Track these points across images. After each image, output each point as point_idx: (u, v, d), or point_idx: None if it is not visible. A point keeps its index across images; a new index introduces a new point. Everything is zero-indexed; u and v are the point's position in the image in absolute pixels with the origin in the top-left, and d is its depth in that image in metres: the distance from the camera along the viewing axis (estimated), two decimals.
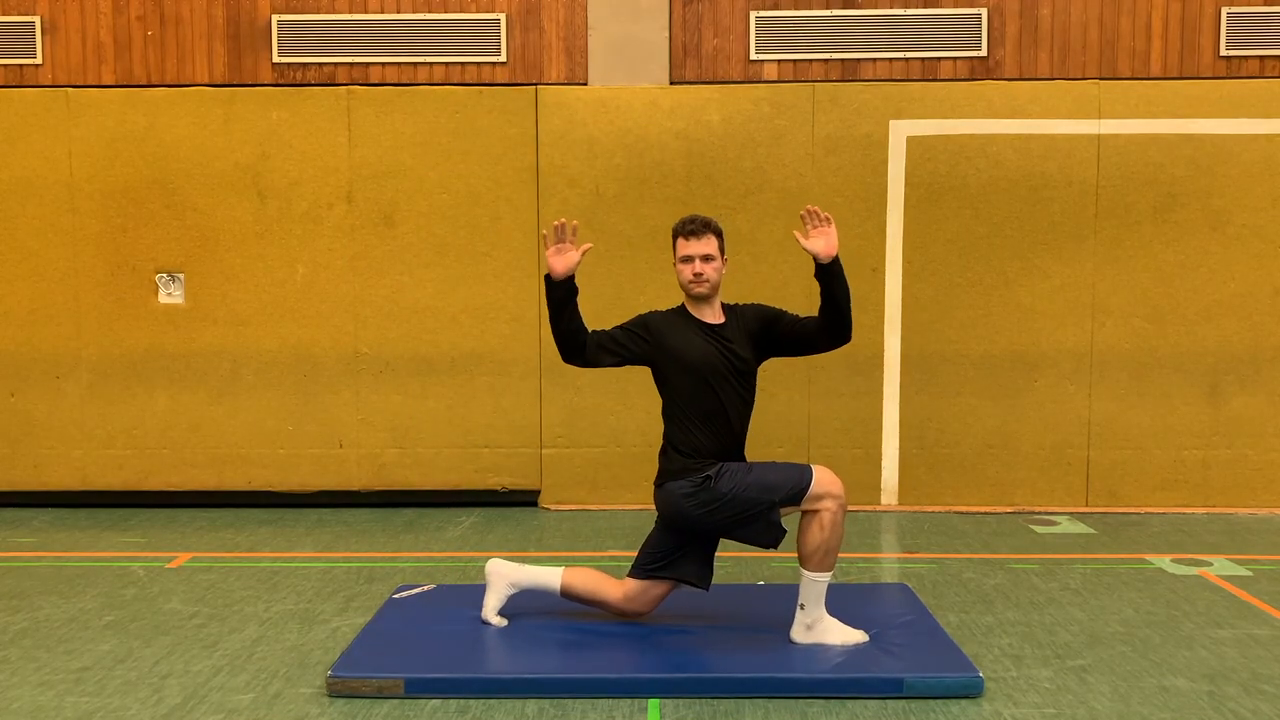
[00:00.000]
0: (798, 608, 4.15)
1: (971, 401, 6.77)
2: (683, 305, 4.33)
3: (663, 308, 6.67)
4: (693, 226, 4.24)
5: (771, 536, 4.09)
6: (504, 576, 4.40)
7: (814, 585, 4.11)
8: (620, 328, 4.28)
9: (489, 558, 4.54)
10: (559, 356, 4.28)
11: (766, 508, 4.05)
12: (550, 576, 4.37)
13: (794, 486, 4.05)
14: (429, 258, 6.77)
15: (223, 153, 6.75)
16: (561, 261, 4.13)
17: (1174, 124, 6.62)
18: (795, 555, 4.51)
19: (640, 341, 4.22)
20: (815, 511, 4.06)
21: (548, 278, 4.15)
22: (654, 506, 4.28)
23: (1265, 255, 6.66)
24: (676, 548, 4.22)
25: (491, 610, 4.37)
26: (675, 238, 4.28)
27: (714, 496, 4.06)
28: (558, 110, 6.71)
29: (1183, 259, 6.68)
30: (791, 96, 6.71)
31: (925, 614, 4.53)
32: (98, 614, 4.80)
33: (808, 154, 6.70)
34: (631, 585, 4.29)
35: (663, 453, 4.24)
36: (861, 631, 4.21)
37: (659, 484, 4.21)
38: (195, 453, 6.89)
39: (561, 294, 4.12)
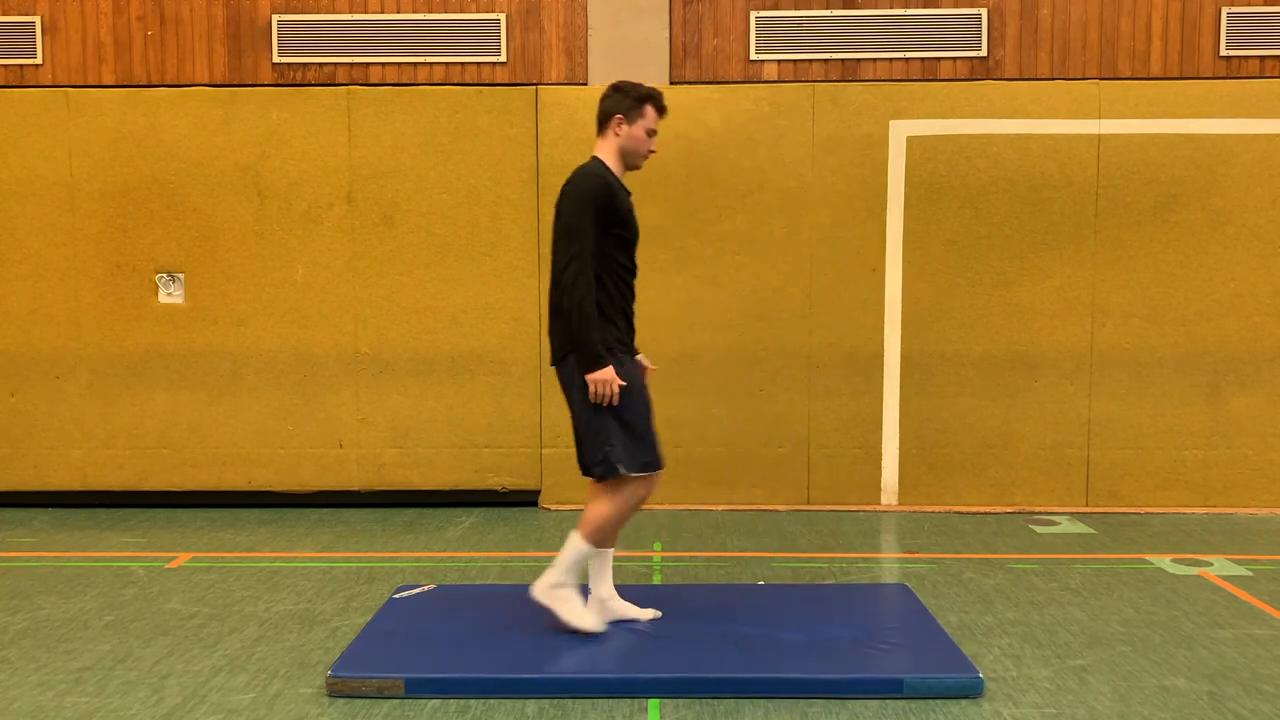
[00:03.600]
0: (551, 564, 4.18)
1: (971, 401, 6.77)
2: (605, 165, 4.14)
3: (665, 306, 6.73)
4: (665, 103, 4.23)
5: (591, 469, 4.09)
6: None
7: (575, 552, 4.12)
8: (594, 234, 3.99)
9: (489, 558, 4.53)
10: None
11: (603, 442, 4.04)
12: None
13: (626, 459, 4.02)
14: (429, 258, 6.78)
15: (223, 153, 6.75)
16: (603, 390, 3.99)
17: (1174, 124, 6.62)
18: (795, 555, 4.53)
19: (606, 225, 4.03)
20: (621, 487, 4.07)
21: (587, 368, 3.97)
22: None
23: (1265, 255, 6.66)
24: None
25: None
26: (647, 104, 4.14)
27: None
28: (558, 110, 6.71)
29: (1183, 259, 6.68)
30: (791, 96, 6.71)
31: (925, 614, 4.53)
32: (98, 614, 4.80)
33: (808, 154, 6.70)
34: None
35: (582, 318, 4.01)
36: (595, 622, 4.18)
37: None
38: (195, 453, 6.89)
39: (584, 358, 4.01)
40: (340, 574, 5.44)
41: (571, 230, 4.00)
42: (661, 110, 4.21)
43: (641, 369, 4.22)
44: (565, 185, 4.12)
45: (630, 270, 4.17)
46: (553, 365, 4.17)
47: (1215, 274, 6.67)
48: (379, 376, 6.84)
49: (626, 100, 4.15)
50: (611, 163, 4.17)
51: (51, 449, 6.91)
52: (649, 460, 4.10)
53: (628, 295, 4.18)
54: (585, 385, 4.01)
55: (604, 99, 4.21)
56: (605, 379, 3.97)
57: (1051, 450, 6.78)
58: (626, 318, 4.18)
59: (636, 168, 4.25)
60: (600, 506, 4.12)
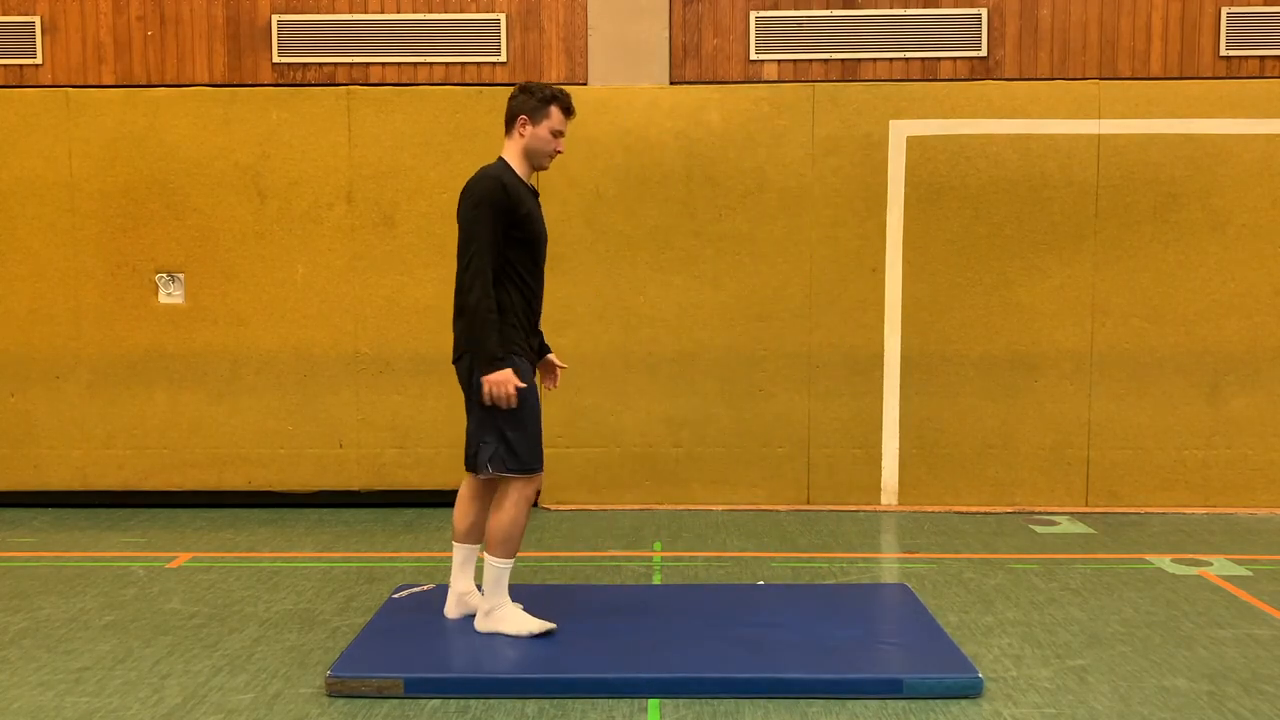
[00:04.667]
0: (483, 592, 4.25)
1: (971, 401, 6.77)
2: (509, 166, 4.18)
3: (665, 306, 6.73)
4: (573, 104, 4.25)
5: (469, 463, 4.17)
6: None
7: (494, 570, 4.17)
8: (492, 234, 4.00)
9: (488, 558, 4.52)
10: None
11: (480, 439, 4.11)
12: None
13: (501, 460, 4.08)
14: (429, 258, 6.77)
15: (223, 153, 6.75)
16: (497, 391, 4.01)
17: (1174, 124, 6.62)
18: (795, 555, 4.53)
19: (505, 227, 4.05)
20: (507, 492, 4.13)
21: (484, 367, 3.99)
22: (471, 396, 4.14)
23: (1265, 255, 6.66)
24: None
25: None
26: (552, 105, 4.15)
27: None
28: None
29: (1183, 259, 6.68)
30: (791, 96, 6.71)
31: (925, 614, 4.53)
32: (98, 614, 4.80)
33: (808, 154, 6.70)
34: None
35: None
36: (545, 622, 4.20)
37: (497, 357, 4.01)
38: (195, 453, 6.89)
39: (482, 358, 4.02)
40: (340, 574, 5.44)
41: (468, 232, 4.03)
42: (568, 111, 4.22)
43: (550, 369, 4.45)
44: (465, 186, 4.14)
45: (532, 272, 4.19)
46: (452, 363, 4.20)
47: (1215, 274, 6.67)
48: (379, 376, 6.83)
49: (531, 101, 4.17)
50: (516, 163, 4.20)
51: (51, 449, 6.91)
52: (529, 463, 4.14)
53: (529, 297, 4.20)
54: (478, 385, 4.04)
55: (511, 98, 4.23)
56: (502, 381, 3.99)
57: (1051, 450, 6.78)
58: (528, 319, 4.20)
59: (543, 168, 4.29)
60: (497, 519, 4.15)
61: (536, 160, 4.24)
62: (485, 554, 4.19)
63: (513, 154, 4.22)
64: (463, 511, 4.36)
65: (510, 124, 4.22)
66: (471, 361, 4.07)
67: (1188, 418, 6.74)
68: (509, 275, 4.10)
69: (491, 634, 4.23)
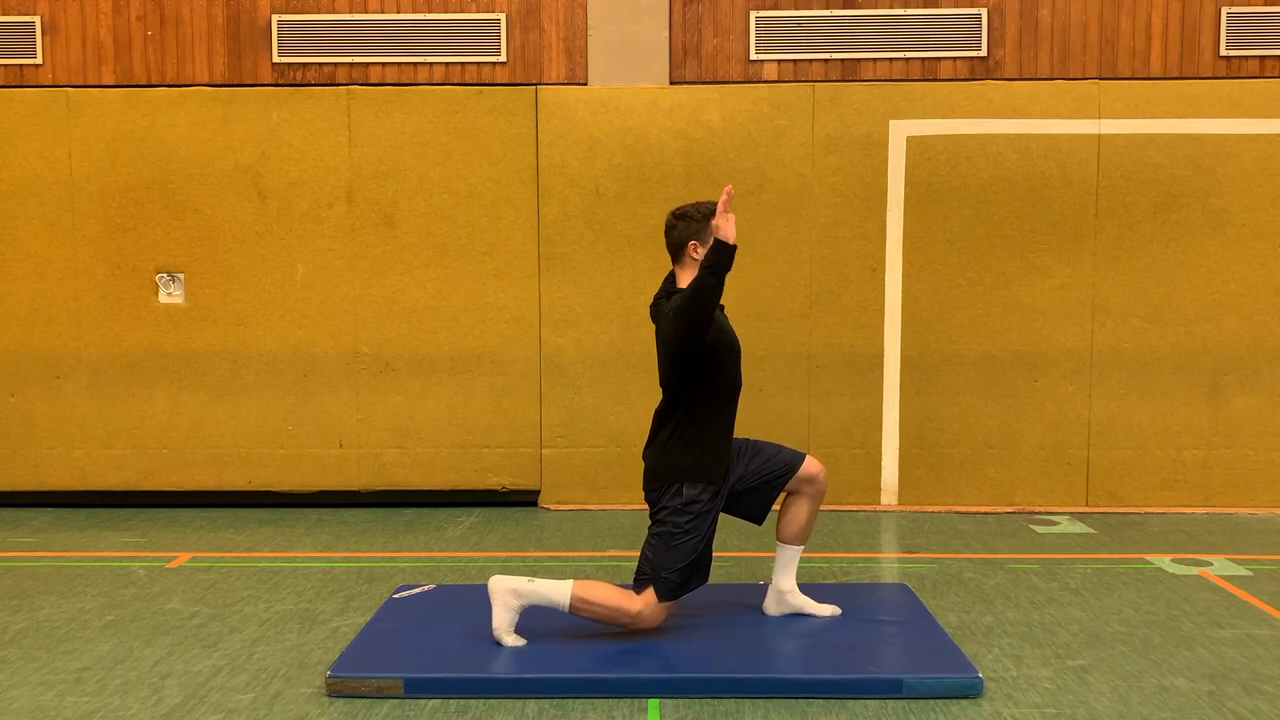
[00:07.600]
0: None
1: (971, 401, 6.77)
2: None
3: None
4: None
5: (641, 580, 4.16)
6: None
7: (553, 600, 4.13)
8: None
9: (489, 558, 4.53)
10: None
11: (666, 565, 4.09)
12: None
13: (669, 586, 4.11)
14: (429, 258, 6.78)
15: (223, 153, 6.75)
16: (731, 227, 3.90)
17: (1174, 124, 6.62)
18: (804, 554, 4.52)
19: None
20: (638, 601, 4.11)
21: (725, 245, 3.87)
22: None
23: (1265, 255, 6.66)
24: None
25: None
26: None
27: (692, 520, 4.10)
28: (558, 110, 6.71)
29: (1183, 259, 6.68)
30: (791, 96, 6.71)
31: (925, 614, 4.53)
32: (98, 614, 4.80)
33: (808, 154, 6.70)
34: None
35: (682, 446, 4.13)
36: (519, 639, 4.15)
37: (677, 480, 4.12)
38: (195, 453, 6.89)
39: (731, 261, 3.93)
40: (340, 574, 5.44)
41: (685, 312, 3.97)
42: None
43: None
44: (663, 311, 4.13)
45: (731, 388, 4.23)
46: (643, 491, 4.23)
47: (1215, 274, 6.67)
48: (379, 376, 6.84)
49: (694, 224, 4.17)
50: None
51: (51, 449, 6.91)
52: (676, 593, 4.15)
53: (727, 419, 4.24)
54: (675, 515, 4.07)
55: (671, 230, 4.21)
56: (729, 231, 3.89)
57: (1051, 450, 6.78)
58: (721, 446, 4.21)
59: None
60: (608, 600, 4.12)
61: None
62: (575, 586, 4.11)
63: (688, 279, 4.17)
64: (789, 514, 4.42)
65: (679, 252, 4.21)
66: (660, 491, 4.12)
67: (1187, 418, 6.73)
68: (709, 394, 4.14)
69: (489, 631, 4.19)
